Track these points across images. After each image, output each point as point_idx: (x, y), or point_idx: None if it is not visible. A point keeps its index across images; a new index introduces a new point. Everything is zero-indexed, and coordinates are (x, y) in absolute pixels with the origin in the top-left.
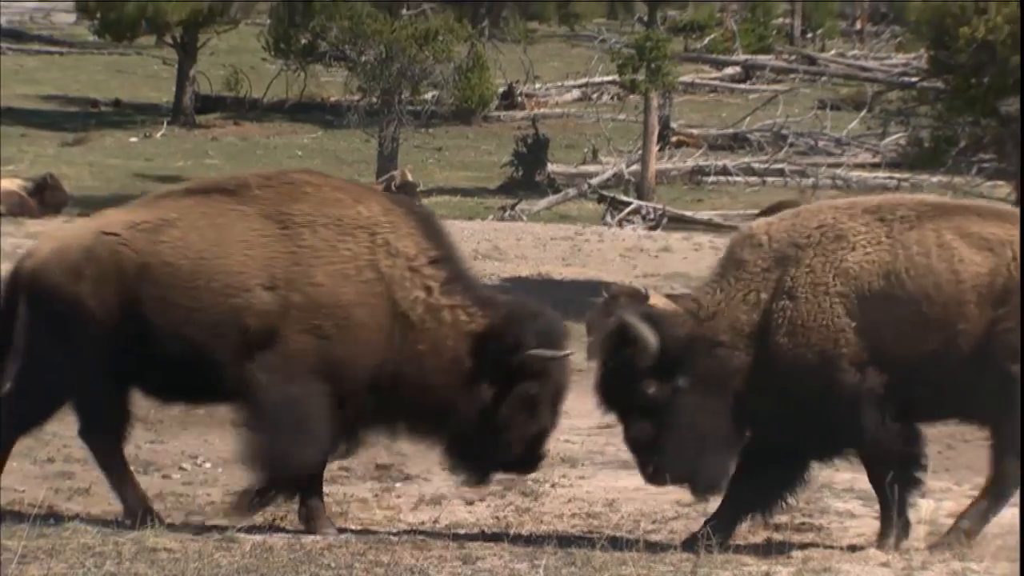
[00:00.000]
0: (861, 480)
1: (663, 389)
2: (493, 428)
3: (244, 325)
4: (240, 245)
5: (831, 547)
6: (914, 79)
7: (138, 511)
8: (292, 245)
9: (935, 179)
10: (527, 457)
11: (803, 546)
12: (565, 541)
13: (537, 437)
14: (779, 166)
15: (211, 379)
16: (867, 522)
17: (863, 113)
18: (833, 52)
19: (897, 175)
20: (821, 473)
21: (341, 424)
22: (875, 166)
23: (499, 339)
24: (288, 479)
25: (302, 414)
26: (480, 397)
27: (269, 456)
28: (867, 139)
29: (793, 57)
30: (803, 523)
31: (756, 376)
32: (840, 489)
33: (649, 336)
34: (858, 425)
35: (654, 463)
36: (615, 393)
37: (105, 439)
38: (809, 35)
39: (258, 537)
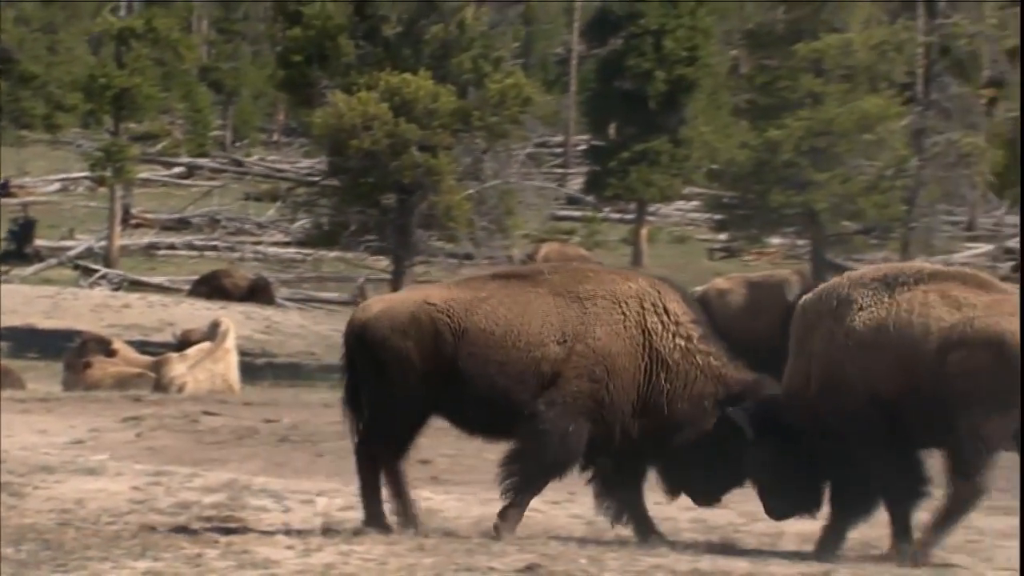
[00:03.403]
0: (273, 482)
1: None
2: (693, 459)
3: (541, 371)
4: (539, 314)
5: (249, 532)
6: (317, 178)
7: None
8: (579, 311)
9: (332, 254)
10: (709, 491)
11: (227, 532)
12: (43, 531)
13: (721, 477)
14: (214, 243)
15: (509, 415)
16: (276, 515)
17: (278, 203)
18: (256, 157)
19: (304, 251)
20: (240, 478)
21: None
22: (287, 243)
23: (737, 388)
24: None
25: (567, 438)
26: (699, 432)
27: (534, 473)
28: (281, 223)
29: (225, 160)
30: (228, 516)
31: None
32: (256, 490)
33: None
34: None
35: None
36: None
37: (392, 456)
38: (238, 143)
39: None
